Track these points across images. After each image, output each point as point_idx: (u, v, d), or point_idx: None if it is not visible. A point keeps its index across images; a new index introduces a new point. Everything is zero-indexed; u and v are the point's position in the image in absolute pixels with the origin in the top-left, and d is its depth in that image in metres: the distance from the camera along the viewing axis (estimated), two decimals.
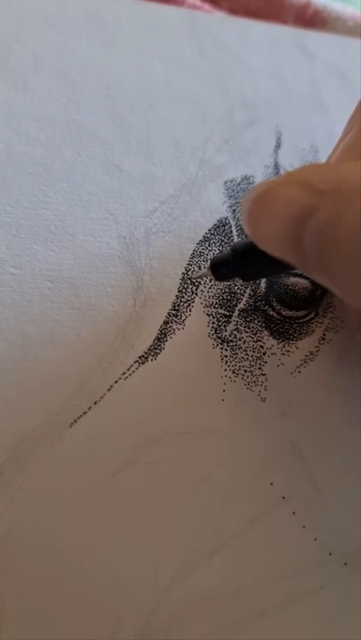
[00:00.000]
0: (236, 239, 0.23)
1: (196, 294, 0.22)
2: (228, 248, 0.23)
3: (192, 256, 0.22)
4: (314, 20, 0.29)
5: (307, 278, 0.22)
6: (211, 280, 0.22)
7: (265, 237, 0.17)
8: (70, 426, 0.19)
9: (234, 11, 0.28)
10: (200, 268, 0.22)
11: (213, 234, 0.23)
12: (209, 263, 0.21)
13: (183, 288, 0.22)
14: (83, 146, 0.23)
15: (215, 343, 0.22)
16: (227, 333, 0.22)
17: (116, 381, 0.20)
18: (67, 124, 0.23)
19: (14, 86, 0.23)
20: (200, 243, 0.23)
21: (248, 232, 0.17)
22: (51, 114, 0.23)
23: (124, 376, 0.20)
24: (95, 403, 0.20)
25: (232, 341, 0.22)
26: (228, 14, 0.28)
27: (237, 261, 0.20)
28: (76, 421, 0.19)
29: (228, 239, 0.23)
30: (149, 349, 0.21)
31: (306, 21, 0.29)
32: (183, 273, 0.22)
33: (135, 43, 0.25)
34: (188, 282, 0.22)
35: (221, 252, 0.23)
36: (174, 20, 0.26)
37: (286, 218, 0.15)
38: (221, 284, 0.22)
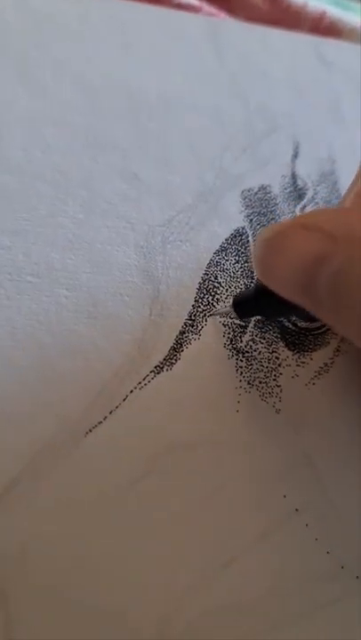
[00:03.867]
0: (252, 249, 0.23)
1: (213, 304, 0.22)
2: (244, 258, 0.23)
3: (209, 266, 0.22)
4: (329, 32, 0.29)
5: None
6: (227, 290, 0.22)
7: (276, 281, 0.17)
8: (86, 435, 0.19)
9: (250, 21, 0.28)
10: (216, 277, 0.22)
11: (230, 243, 0.23)
12: (231, 301, 0.21)
13: (199, 298, 0.22)
14: (101, 153, 0.23)
15: (231, 354, 0.21)
16: (242, 344, 0.22)
17: (132, 391, 0.20)
18: (85, 131, 0.23)
19: (33, 92, 0.23)
20: (217, 252, 0.23)
21: (259, 275, 0.17)
22: (69, 121, 0.23)
23: (140, 386, 0.20)
24: (111, 412, 0.20)
25: (247, 352, 0.22)
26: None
27: (261, 299, 0.20)
28: (91, 431, 0.19)
29: (245, 249, 0.23)
30: (165, 359, 0.21)
31: (321, 32, 0.29)
32: (200, 283, 0.22)
33: (154, 50, 0.25)
34: (205, 292, 0.22)
35: (237, 261, 0.23)
36: (194, 27, 0.26)
37: (298, 263, 0.15)
38: (237, 293, 0.22)
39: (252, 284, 0.23)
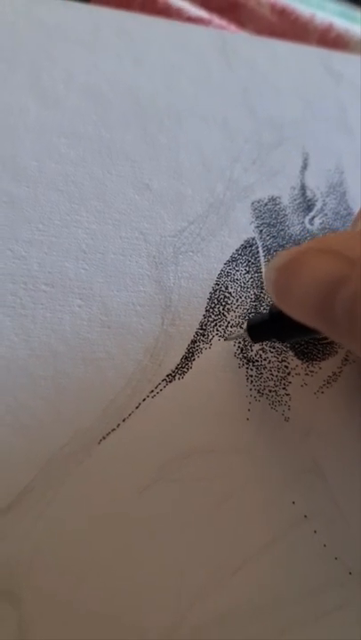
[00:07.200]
0: (262, 260, 0.23)
1: (224, 314, 0.22)
2: (254, 268, 0.23)
3: (219, 276, 0.23)
4: (337, 43, 0.30)
5: None
6: (238, 300, 0.22)
7: (292, 306, 0.17)
8: (99, 443, 0.19)
9: (259, 33, 0.29)
10: (227, 288, 0.23)
11: (241, 254, 0.23)
12: (245, 325, 0.21)
13: (210, 307, 0.22)
14: (113, 164, 0.23)
15: (241, 363, 0.22)
16: (252, 353, 0.22)
17: (144, 399, 0.20)
18: (97, 142, 0.23)
19: (46, 103, 0.23)
20: (228, 263, 0.23)
21: (275, 300, 0.17)
22: (81, 131, 0.23)
23: (152, 394, 0.20)
24: (123, 420, 0.20)
25: (257, 361, 0.22)
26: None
27: (275, 323, 0.20)
28: (104, 439, 0.20)
29: (255, 259, 0.23)
30: (177, 368, 0.21)
31: (329, 44, 0.29)
32: (211, 293, 0.22)
33: (165, 62, 0.25)
34: (216, 301, 0.22)
35: (248, 271, 0.23)
36: (203, 39, 0.26)
37: (315, 287, 0.15)
38: (248, 304, 0.22)
39: (261, 294, 0.23)
